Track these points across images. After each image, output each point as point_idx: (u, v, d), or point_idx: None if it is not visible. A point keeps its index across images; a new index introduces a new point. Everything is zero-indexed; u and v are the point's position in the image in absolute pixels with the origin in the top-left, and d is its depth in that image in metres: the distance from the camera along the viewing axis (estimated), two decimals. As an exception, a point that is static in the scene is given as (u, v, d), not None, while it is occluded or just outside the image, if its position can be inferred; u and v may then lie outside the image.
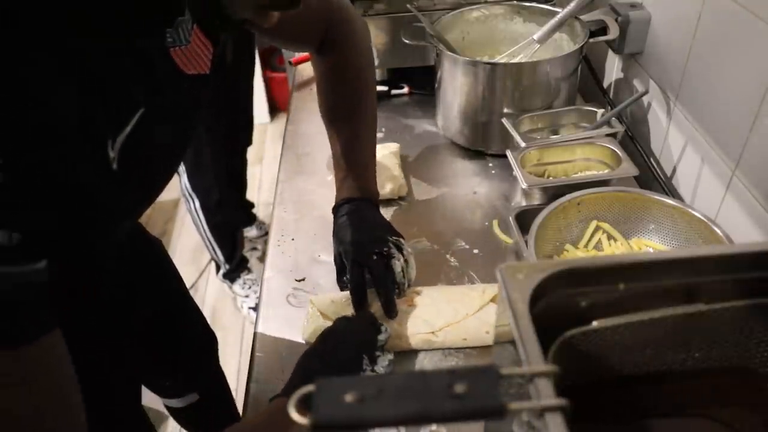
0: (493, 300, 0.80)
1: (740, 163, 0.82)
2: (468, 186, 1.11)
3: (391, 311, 0.79)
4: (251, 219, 2.29)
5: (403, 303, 0.81)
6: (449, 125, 1.21)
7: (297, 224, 1.05)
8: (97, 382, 0.60)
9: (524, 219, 0.88)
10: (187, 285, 1.15)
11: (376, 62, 1.31)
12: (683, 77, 0.95)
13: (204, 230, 1.93)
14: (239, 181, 2.07)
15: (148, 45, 0.55)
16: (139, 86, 0.54)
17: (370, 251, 0.81)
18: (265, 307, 0.89)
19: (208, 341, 1.21)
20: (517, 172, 0.96)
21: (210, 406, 1.23)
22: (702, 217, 0.81)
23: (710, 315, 0.47)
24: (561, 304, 0.45)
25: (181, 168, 1.79)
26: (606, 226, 0.89)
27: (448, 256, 0.95)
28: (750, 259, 0.45)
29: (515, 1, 1.25)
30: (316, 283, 0.92)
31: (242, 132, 1.96)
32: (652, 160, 1.06)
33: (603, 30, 1.11)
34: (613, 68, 1.24)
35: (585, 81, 1.23)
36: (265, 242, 1.21)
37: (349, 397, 0.34)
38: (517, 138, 1.03)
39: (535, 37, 1.13)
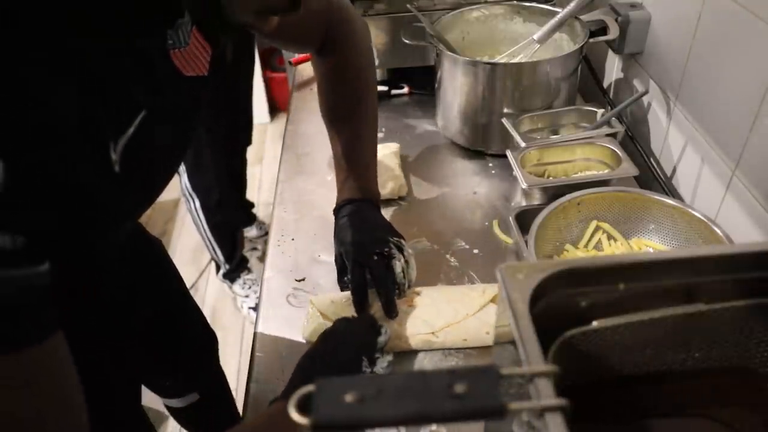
0: (493, 300, 0.80)
1: (740, 163, 0.82)
2: (468, 186, 1.11)
3: (391, 311, 0.79)
4: (251, 219, 2.29)
5: (403, 303, 0.81)
6: (449, 125, 1.21)
7: (297, 224, 1.05)
8: (98, 383, 0.60)
9: (524, 219, 0.88)
10: (187, 285, 1.15)
11: (376, 62, 1.31)
12: (683, 77, 0.95)
13: (204, 230, 1.93)
14: (239, 181, 2.07)
15: (148, 45, 0.55)
16: (139, 86, 0.54)
17: (371, 252, 0.81)
18: (265, 307, 0.89)
19: (209, 341, 1.21)
20: (517, 172, 0.96)
21: (210, 406, 1.24)
22: (702, 217, 0.81)
23: (710, 315, 0.47)
24: (561, 304, 0.45)
25: (182, 168, 1.79)
26: (606, 226, 0.89)
27: (448, 256, 0.95)
28: (750, 259, 0.45)
29: (515, 1, 1.25)
30: (316, 283, 0.92)
31: (242, 132, 1.96)
32: (652, 160, 1.06)
33: (603, 30, 1.11)
34: (613, 68, 1.24)
35: (585, 81, 1.23)
36: (265, 242, 1.21)
37: (349, 397, 0.34)
38: (517, 138, 1.03)
39: (535, 37, 1.13)
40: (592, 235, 0.89)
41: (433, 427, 0.70)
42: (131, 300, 0.92)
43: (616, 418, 0.53)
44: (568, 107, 1.13)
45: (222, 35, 0.66)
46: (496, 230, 0.99)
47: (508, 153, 1.01)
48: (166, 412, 1.26)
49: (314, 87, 1.02)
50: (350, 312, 0.80)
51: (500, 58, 1.19)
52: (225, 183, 1.89)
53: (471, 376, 0.35)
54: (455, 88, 1.14)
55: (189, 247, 2.41)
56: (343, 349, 0.70)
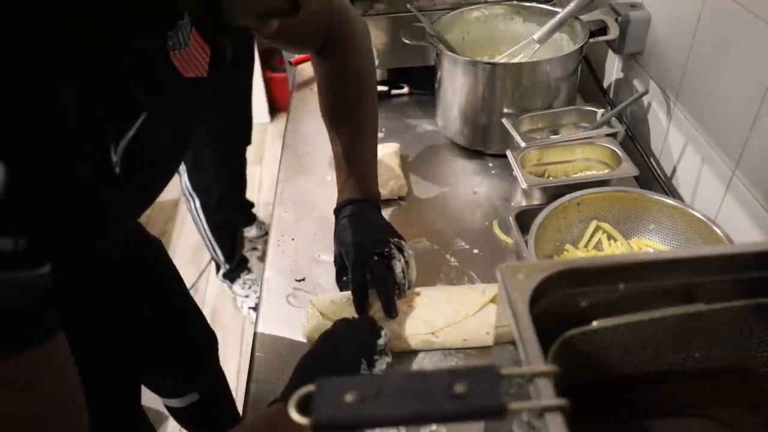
0: (493, 300, 0.80)
1: (740, 163, 0.82)
2: (468, 186, 1.11)
3: (391, 311, 0.79)
4: (251, 219, 2.29)
5: (403, 303, 0.81)
6: (449, 125, 1.21)
7: (297, 224, 1.05)
8: (98, 383, 0.60)
9: (524, 219, 0.88)
10: (187, 285, 1.15)
11: (376, 62, 1.31)
12: (683, 77, 0.95)
13: (204, 230, 1.93)
14: (239, 181, 2.08)
15: (148, 46, 0.55)
16: (139, 86, 0.54)
17: (371, 252, 0.81)
18: (265, 307, 0.89)
19: (208, 341, 1.21)
20: (517, 172, 0.96)
21: (210, 406, 1.24)
22: (702, 217, 0.81)
23: (710, 315, 0.47)
24: (561, 304, 0.45)
25: (182, 167, 1.79)
26: (606, 226, 0.89)
27: (448, 256, 0.95)
28: (750, 259, 0.45)
29: (515, 1, 1.25)
30: (316, 283, 0.92)
31: (242, 132, 1.97)
32: (652, 160, 1.06)
33: (603, 30, 1.11)
34: (613, 68, 1.24)
35: (585, 81, 1.23)
36: (265, 242, 1.21)
37: (349, 397, 0.34)
38: (517, 138, 1.03)
39: (535, 37, 1.13)
40: (592, 235, 0.89)
41: (433, 427, 0.70)
42: (131, 300, 0.92)
43: (616, 418, 0.53)
44: (568, 107, 1.13)
45: (222, 37, 0.66)
46: (496, 230, 0.99)
47: (508, 153, 1.01)
48: (166, 412, 1.26)
49: (314, 87, 1.02)
50: (350, 312, 0.80)
51: (500, 58, 1.19)
52: (225, 183, 1.89)
53: (471, 376, 0.35)
54: (455, 88, 1.14)
55: (189, 247, 2.41)
56: (343, 350, 0.70)
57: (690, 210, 0.83)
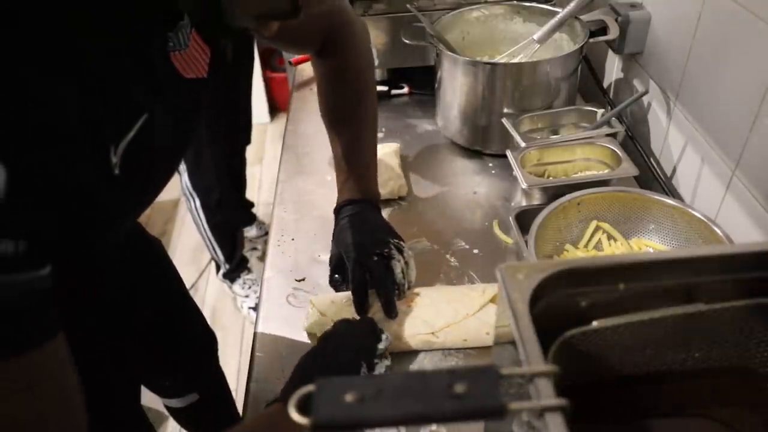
0: (493, 300, 0.80)
1: (740, 163, 0.82)
2: (468, 186, 1.11)
3: (391, 312, 0.79)
4: (251, 219, 2.29)
5: (403, 304, 0.81)
6: (449, 125, 1.21)
7: (297, 224, 1.05)
8: (98, 383, 0.60)
9: (524, 219, 0.88)
10: (187, 285, 1.15)
11: (376, 62, 1.31)
12: (683, 77, 0.95)
13: (204, 229, 1.93)
14: (239, 181, 2.08)
15: (149, 46, 0.55)
16: (139, 87, 0.54)
17: (371, 252, 0.81)
18: (265, 307, 0.89)
19: (208, 341, 1.21)
20: (517, 172, 0.96)
21: (210, 406, 1.24)
22: (702, 217, 0.81)
23: (710, 315, 0.47)
24: (561, 304, 0.45)
25: (182, 167, 1.79)
26: (606, 226, 0.89)
27: (448, 256, 0.95)
28: (750, 259, 0.45)
29: (515, 1, 1.25)
30: (316, 283, 0.92)
31: (242, 131, 1.97)
32: (652, 160, 1.06)
33: (603, 30, 1.11)
34: (613, 68, 1.24)
35: (585, 81, 1.23)
36: (265, 242, 1.21)
37: (349, 397, 0.34)
38: (517, 138, 1.03)
39: (535, 37, 1.13)
40: (592, 235, 0.89)
41: (433, 427, 0.70)
42: (131, 300, 0.92)
43: (616, 418, 0.53)
44: (568, 107, 1.13)
45: (222, 38, 0.66)
46: (496, 230, 0.99)
47: (508, 153, 1.01)
48: (166, 412, 1.26)
49: (314, 87, 1.02)
50: (350, 312, 0.80)
51: (500, 58, 1.19)
52: (225, 183, 1.90)
53: (471, 376, 0.35)
54: (455, 88, 1.14)
55: (189, 247, 2.41)
56: (343, 350, 0.70)
57: (690, 210, 0.83)
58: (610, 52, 1.22)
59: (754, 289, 0.46)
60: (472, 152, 1.19)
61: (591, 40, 1.09)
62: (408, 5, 1.23)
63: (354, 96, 0.93)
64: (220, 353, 1.25)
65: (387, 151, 1.12)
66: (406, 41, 1.21)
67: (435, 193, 1.10)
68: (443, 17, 1.21)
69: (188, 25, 0.59)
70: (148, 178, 0.64)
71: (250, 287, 2.12)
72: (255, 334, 0.85)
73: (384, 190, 1.03)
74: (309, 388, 0.35)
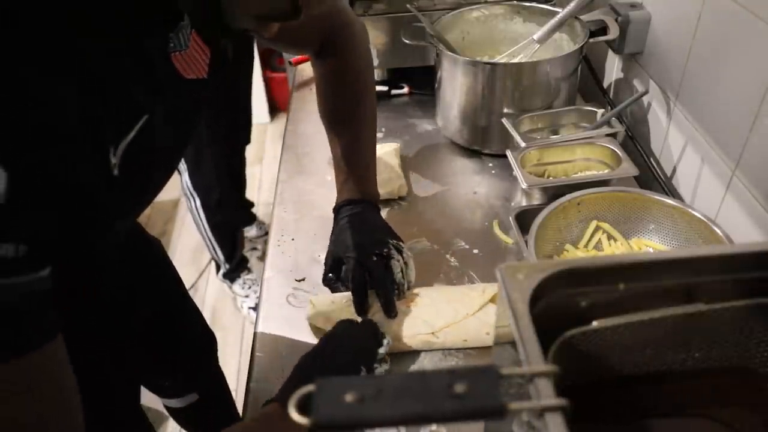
0: (493, 300, 0.80)
1: (740, 163, 0.82)
2: (468, 186, 1.11)
3: (390, 312, 0.79)
4: (251, 218, 2.29)
5: (402, 304, 0.81)
6: (449, 125, 1.21)
7: (297, 224, 1.05)
8: (97, 383, 0.61)
9: (524, 219, 0.88)
10: (187, 285, 1.15)
11: (376, 62, 1.31)
12: (683, 77, 0.95)
13: (204, 229, 1.93)
14: (239, 181, 2.08)
15: (149, 46, 0.55)
16: (140, 87, 0.54)
17: (370, 252, 0.81)
18: (265, 307, 0.89)
19: (208, 341, 1.21)
20: (517, 172, 0.96)
21: (209, 406, 1.24)
22: (702, 217, 0.81)
23: (710, 315, 0.47)
24: (561, 304, 0.45)
25: (183, 167, 1.79)
26: (606, 226, 0.89)
27: (447, 256, 0.95)
28: (750, 259, 0.45)
29: (515, 1, 1.25)
30: (316, 283, 0.92)
31: (242, 131, 1.97)
32: (652, 160, 1.06)
33: (603, 30, 1.11)
34: (613, 68, 1.24)
35: (585, 81, 1.23)
36: (265, 242, 1.21)
37: (349, 398, 0.34)
38: (517, 138, 1.03)
39: (535, 37, 1.13)
40: (592, 235, 0.89)
41: (433, 427, 0.70)
42: (131, 300, 0.92)
43: (616, 418, 0.53)
44: (568, 107, 1.13)
45: (222, 39, 0.66)
46: (496, 230, 0.99)
47: (508, 153, 1.01)
48: (166, 412, 1.26)
49: (314, 87, 1.02)
50: (350, 312, 0.80)
51: (500, 58, 1.19)
52: (225, 182, 1.90)
53: (471, 376, 0.35)
54: (455, 88, 1.14)
55: (189, 247, 2.41)
56: (343, 351, 0.70)
57: (690, 210, 0.83)
58: (610, 52, 1.22)
59: (754, 289, 0.46)
60: (471, 152, 1.19)
61: (591, 40, 1.09)
62: (408, 5, 1.23)
63: (353, 97, 0.93)
64: (220, 353, 1.25)
65: (387, 151, 1.12)
66: (406, 41, 1.21)
67: (435, 192, 1.10)
68: (443, 17, 1.21)
69: (188, 26, 0.59)
70: (148, 178, 0.64)
71: (250, 287, 2.12)
72: (255, 334, 0.85)
73: (384, 189, 1.03)
74: (309, 387, 0.35)
